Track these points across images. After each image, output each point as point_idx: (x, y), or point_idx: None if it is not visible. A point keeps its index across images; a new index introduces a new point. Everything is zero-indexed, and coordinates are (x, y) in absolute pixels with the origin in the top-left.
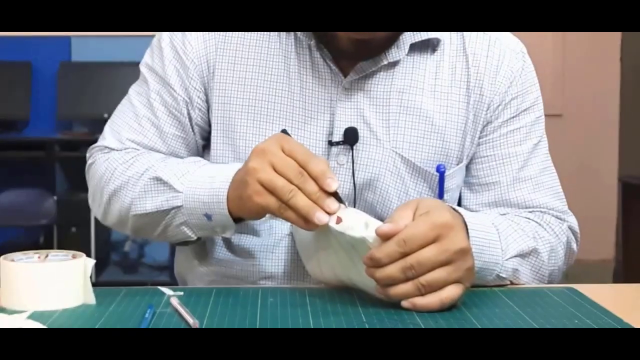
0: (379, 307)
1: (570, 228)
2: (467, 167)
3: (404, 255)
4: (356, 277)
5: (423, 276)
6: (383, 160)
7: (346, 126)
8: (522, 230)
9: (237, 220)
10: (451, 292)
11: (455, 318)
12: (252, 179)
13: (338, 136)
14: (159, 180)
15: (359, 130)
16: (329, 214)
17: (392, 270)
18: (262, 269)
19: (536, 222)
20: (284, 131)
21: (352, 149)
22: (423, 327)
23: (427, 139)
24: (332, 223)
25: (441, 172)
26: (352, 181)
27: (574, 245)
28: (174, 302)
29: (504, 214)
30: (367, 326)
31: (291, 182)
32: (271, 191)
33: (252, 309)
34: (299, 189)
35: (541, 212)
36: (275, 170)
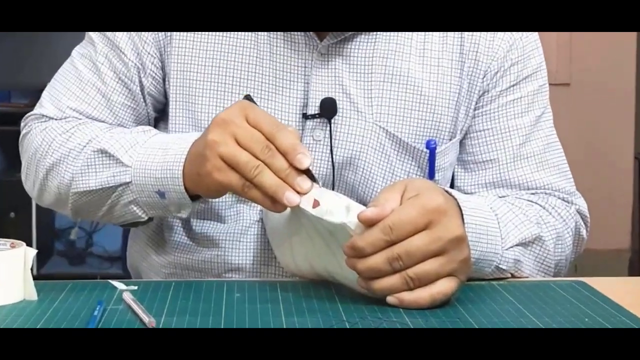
0: (361, 304)
1: (579, 212)
2: (461, 143)
3: (390, 243)
4: (335, 269)
5: (412, 268)
6: (365, 135)
7: (323, 97)
8: (524, 214)
9: (194, 198)
10: (444, 287)
11: (448, 316)
12: (212, 153)
13: (314, 108)
14: (104, 152)
15: (337, 101)
16: (300, 193)
17: (377, 260)
18: (227, 260)
19: (540, 205)
20: (248, 97)
21: (330, 123)
22: (412, 326)
23: (415, 111)
24: (308, 207)
25: (431, 148)
26: (330, 159)
27: (584, 232)
28: (127, 297)
29: (503, 197)
30: (347, 325)
31: (257, 157)
32: (234, 167)
33: (216, 306)
34: (266, 164)
35: (545, 193)
36: (239, 144)
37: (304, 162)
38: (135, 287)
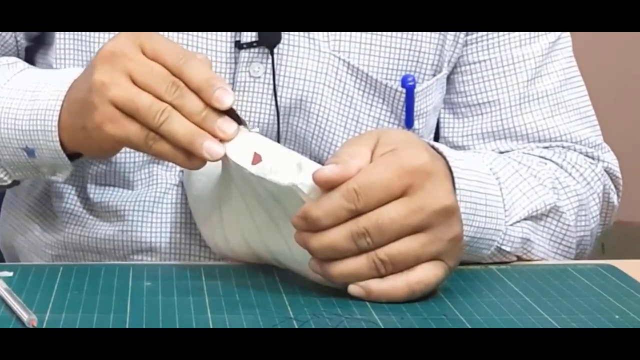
0: (313, 296)
1: (608, 170)
2: (449, 80)
3: (355, 214)
4: (280, 248)
5: (383, 248)
6: (319, 69)
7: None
8: (536, 177)
9: (74, 156)
10: (426, 274)
11: (431, 312)
12: (101, 98)
13: (250, 35)
14: None
15: None
16: (224, 140)
17: (336, 236)
18: (136, 237)
19: (556, 163)
20: None
21: (272, 53)
22: (382, 326)
23: (387, 37)
24: (246, 163)
25: (409, 87)
26: (272, 102)
27: (614, 197)
28: (0, 287)
29: (506, 152)
30: (295, 325)
31: (161, 99)
32: (132, 114)
33: (120, 299)
34: (174, 107)
35: (563, 147)
36: (136, 83)
37: (225, 100)
38: (11, 273)
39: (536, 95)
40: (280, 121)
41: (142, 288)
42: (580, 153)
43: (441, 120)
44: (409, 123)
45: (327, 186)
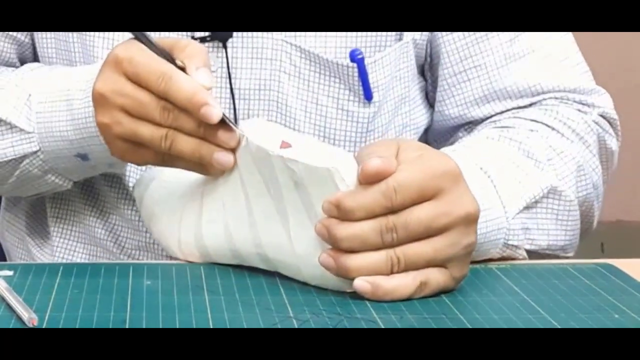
0: (313, 295)
1: (604, 115)
2: (433, 55)
3: (389, 211)
4: (277, 240)
5: (402, 246)
6: (274, 57)
7: None
8: (529, 155)
9: None
10: (434, 277)
11: (431, 312)
12: (110, 137)
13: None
14: None
15: None
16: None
17: (366, 228)
18: (140, 233)
19: (547, 125)
20: (138, 36)
21: (226, 47)
22: (382, 326)
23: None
24: (274, 147)
25: (358, 60)
26: (230, 95)
27: (612, 141)
28: (0, 285)
29: (497, 121)
30: (295, 324)
31: (160, 125)
32: (142, 145)
33: (120, 297)
34: (175, 129)
35: (555, 98)
36: (132, 115)
37: (211, 116)
38: (11, 272)
39: (521, 53)
40: (241, 112)
41: (142, 287)
42: (574, 102)
43: (431, 96)
44: (367, 96)
45: (372, 179)
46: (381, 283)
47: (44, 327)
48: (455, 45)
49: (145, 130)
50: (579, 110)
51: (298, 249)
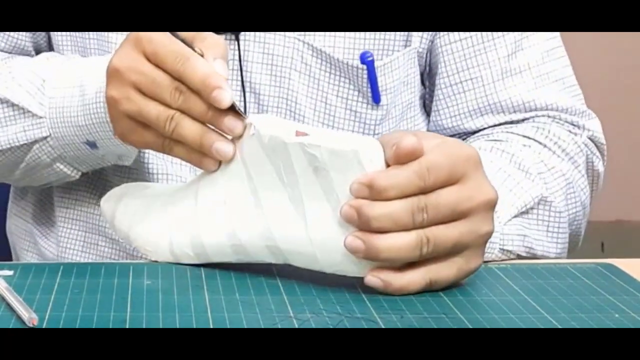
0: (313, 294)
1: (592, 138)
2: (431, 64)
3: (421, 192)
4: (290, 230)
5: (431, 228)
6: (286, 54)
7: None
8: (520, 167)
9: None
10: (445, 273)
11: (432, 312)
12: (117, 113)
13: None
14: (6, 102)
15: None
16: (234, 136)
17: (399, 207)
18: None
19: (539, 142)
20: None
21: (238, 40)
22: (382, 326)
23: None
24: (289, 135)
25: (368, 62)
26: (240, 89)
27: (599, 164)
28: (0, 285)
29: (488, 134)
30: (295, 324)
31: (169, 106)
32: (146, 124)
33: (120, 298)
34: (182, 112)
35: (548, 116)
36: (144, 94)
37: (222, 100)
38: (11, 272)
39: (518, 69)
40: (251, 106)
41: (142, 287)
42: (566, 122)
43: (427, 105)
44: (375, 99)
45: (407, 158)
46: (393, 280)
47: (44, 327)
48: (453, 56)
49: (153, 109)
50: (570, 131)
51: (315, 236)
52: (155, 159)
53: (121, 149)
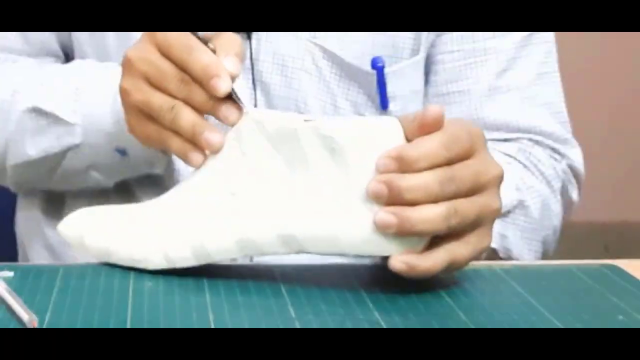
0: (315, 295)
1: (571, 167)
2: (427, 74)
3: (447, 162)
4: (311, 216)
5: (456, 200)
6: (297, 56)
7: None
8: None
9: None
10: (463, 254)
11: (434, 312)
12: (127, 104)
13: None
14: (38, 111)
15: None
16: (229, 122)
17: (430, 177)
18: None
19: (520, 162)
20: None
21: (250, 39)
22: (385, 327)
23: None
24: (299, 122)
25: (378, 68)
26: (252, 88)
27: (574, 193)
28: (1, 287)
29: None
30: (297, 325)
31: (174, 96)
32: (151, 116)
33: (121, 299)
34: (186, 102)
35: (530, 140)
36: (152, 84)
37: (220, 88)
38: (11, 274)
39: (506, 88)
40: (260, 105)
41: (143, 288)
42: (548, 147)
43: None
44: (384, 105)
45: (434, 127)
46: (418, 263)
47: (44, 327)
48: (444, 66)
49: (158, 99)
50: (551, 156)
51: (335, 218)
52: (185, 170)
53: (151, 153)
